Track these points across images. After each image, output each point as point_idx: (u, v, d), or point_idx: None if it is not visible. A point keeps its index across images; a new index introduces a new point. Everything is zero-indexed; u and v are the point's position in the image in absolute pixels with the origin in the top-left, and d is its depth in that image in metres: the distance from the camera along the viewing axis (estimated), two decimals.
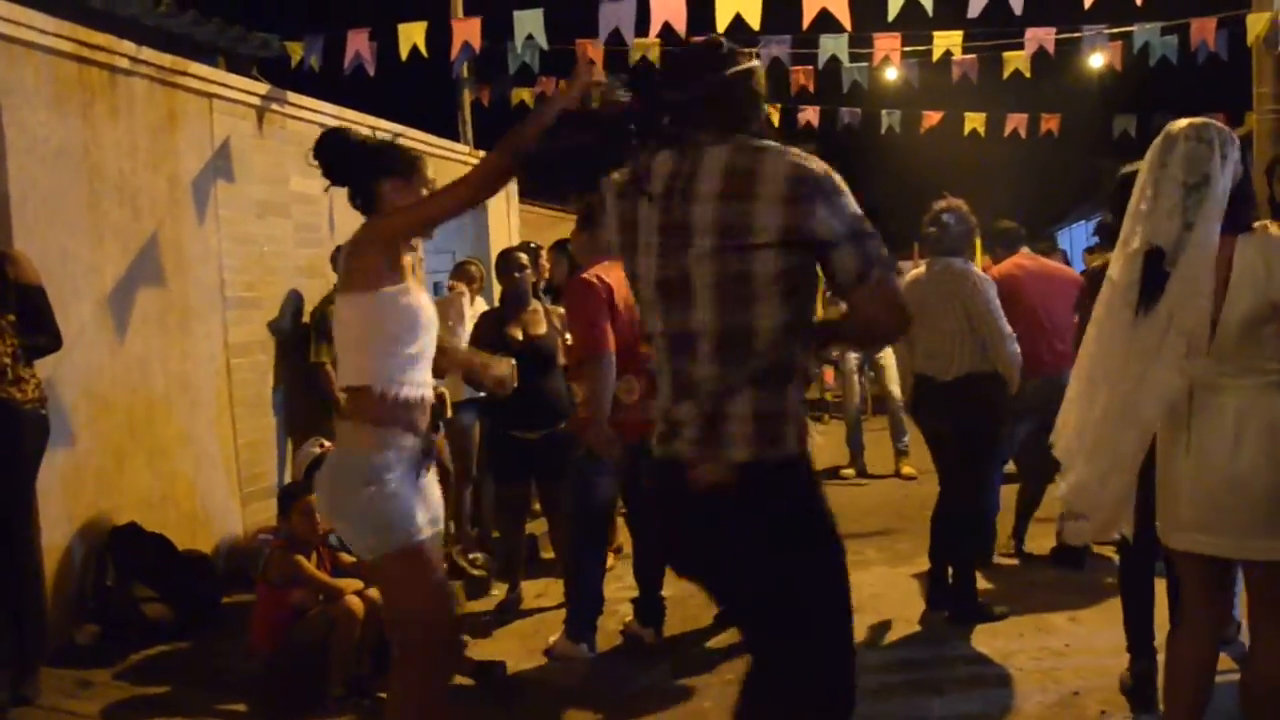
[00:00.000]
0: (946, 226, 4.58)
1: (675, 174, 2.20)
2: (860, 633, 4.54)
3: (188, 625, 4.74)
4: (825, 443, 9.19)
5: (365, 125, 6.98)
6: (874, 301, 2.11)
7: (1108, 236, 3.96)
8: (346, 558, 4.13)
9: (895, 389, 7.78)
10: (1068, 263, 7.39)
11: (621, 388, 4.20)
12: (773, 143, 2.18)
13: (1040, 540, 5.64)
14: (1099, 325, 2.79)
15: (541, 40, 6.60)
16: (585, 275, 4.27)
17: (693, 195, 2.15)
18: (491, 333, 5.01)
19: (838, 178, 2.13)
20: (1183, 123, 2.67)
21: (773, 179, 2.08)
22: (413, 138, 7.55)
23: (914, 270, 4.89)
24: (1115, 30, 8.30)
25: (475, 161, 8.64)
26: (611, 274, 4.19)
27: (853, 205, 2.11)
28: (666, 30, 6.22)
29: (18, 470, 4.00)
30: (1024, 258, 5.50)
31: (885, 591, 5.09)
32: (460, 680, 4.12)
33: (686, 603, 5.12)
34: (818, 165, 2.12)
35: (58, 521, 4.54)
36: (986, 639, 4.36)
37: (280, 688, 3.96)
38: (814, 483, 2.25)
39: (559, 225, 6.81)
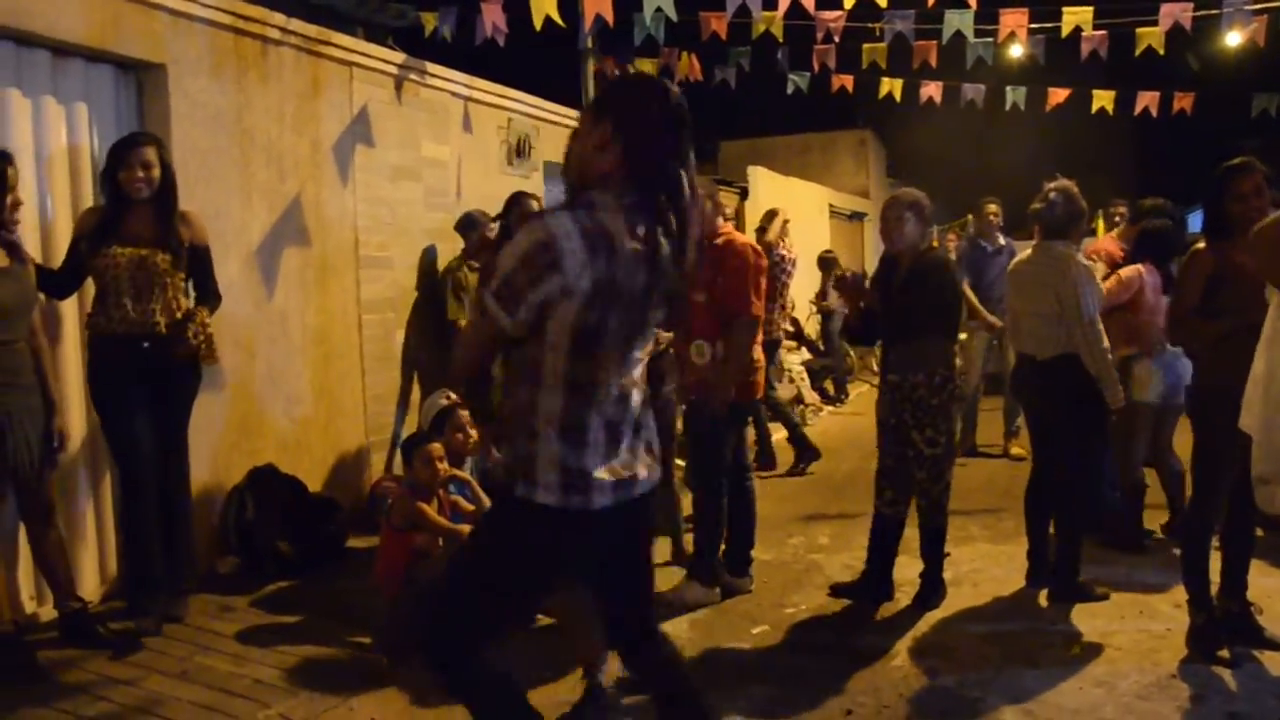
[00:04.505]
0: (1054, 206, 4.61)
1: None
2: (959, 605, 4.62)
3: (317, 562, 5.07)
4: None
5: (494, 94, 7.23)
6: None
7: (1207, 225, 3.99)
8: (465, 504, 4.36)
9: None
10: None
11: (694, 350, 4.57)
12: None
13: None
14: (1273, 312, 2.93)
15: (671, 13, 6.71)
16: (743, 239, 4.51)
17: None
18: None
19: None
20: None
21: None
22: (537, 106, 7.77)
23: (1024, 252, 4.93)
24: (1261, 6, 8.01)
25: None
26: None
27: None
28: (794, 6, 6.26)
29: (183, 415, 4.40)
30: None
31: (986, 567, 5.15)
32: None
33: (789, 567, 5.28)
34: None
35: (204, 461, 4.91)
36: (1086, 618, 4.40)
37: (403, 623, 4.23)
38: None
39: None
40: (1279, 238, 2.99)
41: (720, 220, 4.75)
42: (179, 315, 4.21)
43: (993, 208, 8.14)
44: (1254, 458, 3.19)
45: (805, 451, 7.60)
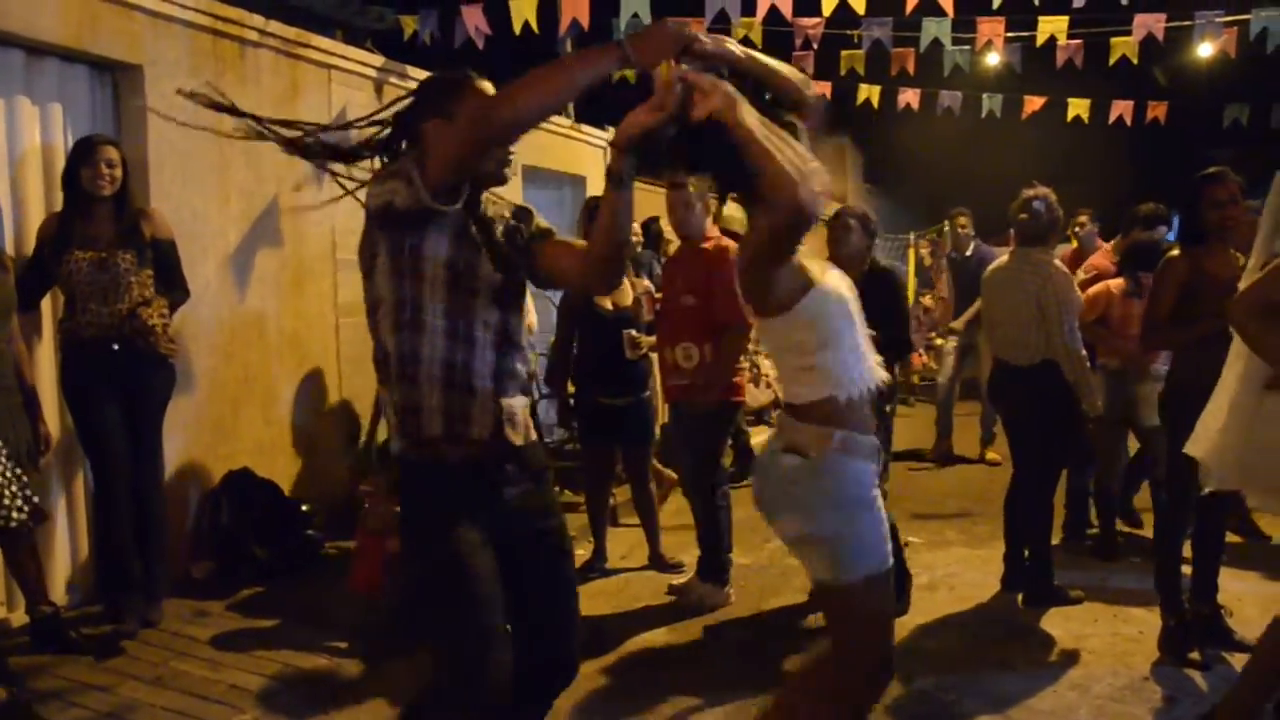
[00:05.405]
0: (1037, 214, 4.62)
1: None
2: (934, 609, 4.64)
3: (292, 567, 5.04)
4: (910, 425, 9.22)
5: None
6: None
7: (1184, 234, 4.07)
8: None
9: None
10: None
11: (680, 353, 4.64)
12: None
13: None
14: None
15: (647, 19, 6.70)
16: (732, 244, 4.58)
17: None
18: (581, 303, 5.16)
19: None
20: None
21: None
22: None
23: (999, 259, 4.98)
24: (1231, 18, 8.11)
25: (577, 135, 8.83)
26: None
27: None
28: (773, 12, 6.27)
29: (155, 418, 4.35)
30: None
31: (961, 571, 5.18)
32: None
33: (766, 570, 5.29)
34: None
35: (178, 464, 4.87)
36: (1060, 621, 4.43)
37: (379, 629, 4.22)
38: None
39: (649, 198, 6.92)
40: (1254, 305, 3.04)
41: (709, 223, 4.76)
42: (140, 300, 4.20)
43: (962, 220, 8.32)
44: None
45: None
